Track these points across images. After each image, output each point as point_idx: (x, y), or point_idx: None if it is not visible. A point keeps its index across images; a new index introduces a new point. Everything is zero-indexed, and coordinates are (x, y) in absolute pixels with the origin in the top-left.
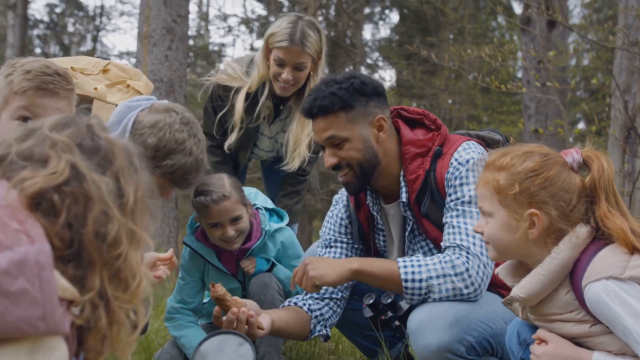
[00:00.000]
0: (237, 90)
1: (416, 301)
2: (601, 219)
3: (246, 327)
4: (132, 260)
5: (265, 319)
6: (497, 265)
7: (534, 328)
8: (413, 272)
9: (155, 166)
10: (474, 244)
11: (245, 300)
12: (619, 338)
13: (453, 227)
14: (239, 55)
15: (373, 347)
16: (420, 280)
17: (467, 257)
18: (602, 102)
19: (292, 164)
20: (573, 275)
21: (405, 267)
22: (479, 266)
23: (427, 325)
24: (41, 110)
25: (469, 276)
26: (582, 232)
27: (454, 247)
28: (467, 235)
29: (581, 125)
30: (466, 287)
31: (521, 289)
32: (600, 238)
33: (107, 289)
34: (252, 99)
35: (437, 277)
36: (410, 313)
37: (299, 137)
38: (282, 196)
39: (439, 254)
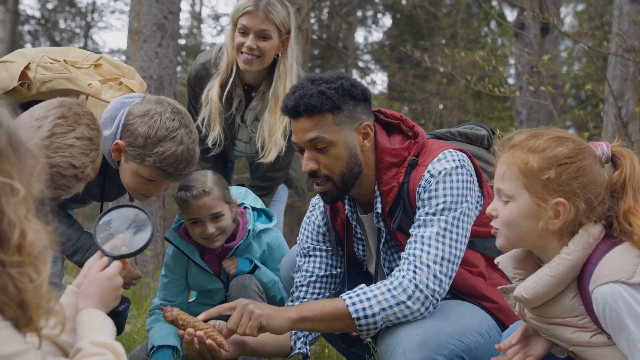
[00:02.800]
0: (209, 85)
1: (372, 335)
2: (625, 215)
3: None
4: (8, 212)
5: (238, 340)
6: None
7: None
8: (364, 308)
9: (146, 155)
10: (428, 252)
11: (216, 322)
12: (620, 352)
13: (411, 236)
14: None
15: (359, 353)
16: (374, 315)
17: (414, 272)
18: (593, 109)
19: (270, 155)
20: (581, 278)
21: (353, 303)
22: (427, 278)
23: (395, 349)
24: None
25: (421, 292)
26: (594, 231)
27: (404, 259)
28: (423, 244)
29: (571, 132)
30: (422, 304)
31: (526, 289)
32: (609, 236)
33: None
34: (225, 90)
35: (391, 307)
36: (378, 335)
37: (273, 125)
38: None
39: (385, 280)
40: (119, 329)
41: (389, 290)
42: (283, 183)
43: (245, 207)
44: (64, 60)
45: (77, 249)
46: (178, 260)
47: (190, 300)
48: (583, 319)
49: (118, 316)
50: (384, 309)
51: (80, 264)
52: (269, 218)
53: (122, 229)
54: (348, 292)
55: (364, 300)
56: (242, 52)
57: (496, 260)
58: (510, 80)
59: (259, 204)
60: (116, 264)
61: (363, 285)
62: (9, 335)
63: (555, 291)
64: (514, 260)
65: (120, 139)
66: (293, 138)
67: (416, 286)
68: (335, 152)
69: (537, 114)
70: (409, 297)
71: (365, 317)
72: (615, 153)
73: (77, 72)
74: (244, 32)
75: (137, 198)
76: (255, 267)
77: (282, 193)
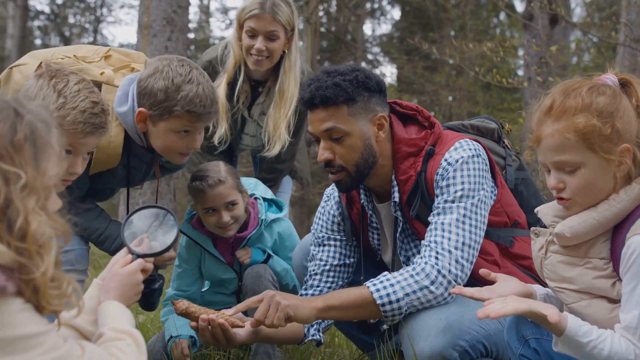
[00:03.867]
0: (216, 83)
1: (396, 321)
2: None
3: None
4: (15, 200)
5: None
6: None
7: (533, 323)
8: (388, 294)
9: (172, 105)
10: (449, 238)
11: (227, 310)
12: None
13: (431, 224)
14: None
15: (369, 341)
16: (398, 300)
17: (436, 258)
18: None
19: (274, 148)
20: (619, 226)
21: (377, 290)
22: (449, 263)
23: (419, 333)
24: (83, 147)
25: (444, 277)
26: None
27: (425, 246)
28: (443, 230)
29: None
30: (445, 289)
31: (569, 228)
32: None
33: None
34: (231, 88)
35: (414, 292)
36: (400, 321)
37: (278, 120)
38: None
39: (408, 267)
40: (153, 305)
41: (411, 276)
42: (288, 174)
43: (256, 198)
44: (74, 56)
45: (105, 238)
46: (191, 250)
47: (203, 290)
48: (608, 263)
49: (152, 293)
50: (407, 294)
51: (110, 252)
52: (279, 208)
53: (148, 228)
54: (372, 279)
55: (387, 286)
56: (251, 54)
57: (536, 210)
58: (519, 72)
59: (269, 194)
60: (139, 262)
61: (386, 272)
62: (31, 316)
63: (594, 234)
64: (555, 209)
65: (141, 107)
66: (309, 128)
67: (439, 271)
68: (350, 143)
69: None
70: (432, 282)
71: (390, 302)
72: (621, 81)
73: (88, 65)
74: (252, 35)
75: (176, 160)
76: (269, 256)
77: (287, 184)
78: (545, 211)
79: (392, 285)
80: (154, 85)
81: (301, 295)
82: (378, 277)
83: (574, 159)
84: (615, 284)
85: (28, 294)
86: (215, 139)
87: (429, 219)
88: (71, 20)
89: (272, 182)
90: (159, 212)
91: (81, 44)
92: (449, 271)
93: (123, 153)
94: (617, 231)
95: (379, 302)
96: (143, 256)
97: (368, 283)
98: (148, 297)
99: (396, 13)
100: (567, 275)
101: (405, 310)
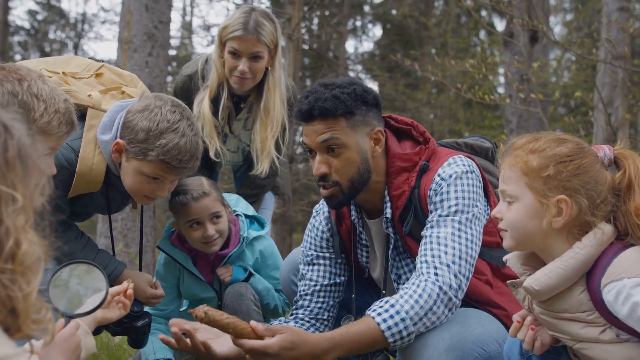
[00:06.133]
0: (198, 98)
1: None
2: (636, 213)
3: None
4: (6, 220)
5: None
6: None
7: None
8: (400, 331)
9: (148, 149)
10: (446, 252)
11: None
12: (628, 350)
13: (425, 237)
14: None
15: (353, 359)
16: (409, 334)
17: (436, 274)
18: (583, 117)
19: (262, 165)
20: (590, 274)
21: (389, 327)
22: (450, 278)
23: (421, 353)
24: (59, 147)
25: (445, 294)
26: (607, 229)
27: (422, 262)
28: (439, 244)
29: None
30: (446, 306)
31: (536, 280)
32: (621, 238)
33: None
34: (214, 105)
35: (421, 319)
36: None
37: (265, 139)
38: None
39: (408, 288)
40: (141, 342)
41: (416, 301)
42: (270, 191)
43: (237, 215)
44: (63, 73)
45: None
46: (170, 268)
47: (181, 309)
48: (592, 314)
49: (137, 330)
50: (415, 324)
51: None
52: (261, 225)
53: (78, 284)
54: (378, 311)
55: (399, 322)
56: (234, 75)
57: (504, 258)
58: (500, 90)
59: (251, 211)
60: (72, 324)
61: (388, 299)
62: (0, 338)
63: (565, 285)
64: (522, 257)
65: (121, 139)
66: (305, 140)
67: (440, 288)
68: (347, 156)
69: (527, 122)
70: (435, 302)
71: (402, 338)
72: (617, 155)
73: (76, 84)
74: (235, 54)
75: (140, 201)
76: (250, 274)
77: (269, 201)
78: (513, 260)
79: (403, 320)
80: (139, 123)
81: (292, 314)
82: (383, 306)
83: (511, 190)
84: (605, 331)
85: (1, 316)
86: (212, 154)
87: (422, 233)
88: (51, 35)
89: (254, 199)
90: (85, 268)
91: (72, 55)
92: (450, 286)
93: (103, 182)
94: (589, 279)
95: (390, 340)
96: (75, 316)
97: (377, 318)
98: (132, 333)
99: (378, 31)
100: (557, 328)
101: (413, 337)
